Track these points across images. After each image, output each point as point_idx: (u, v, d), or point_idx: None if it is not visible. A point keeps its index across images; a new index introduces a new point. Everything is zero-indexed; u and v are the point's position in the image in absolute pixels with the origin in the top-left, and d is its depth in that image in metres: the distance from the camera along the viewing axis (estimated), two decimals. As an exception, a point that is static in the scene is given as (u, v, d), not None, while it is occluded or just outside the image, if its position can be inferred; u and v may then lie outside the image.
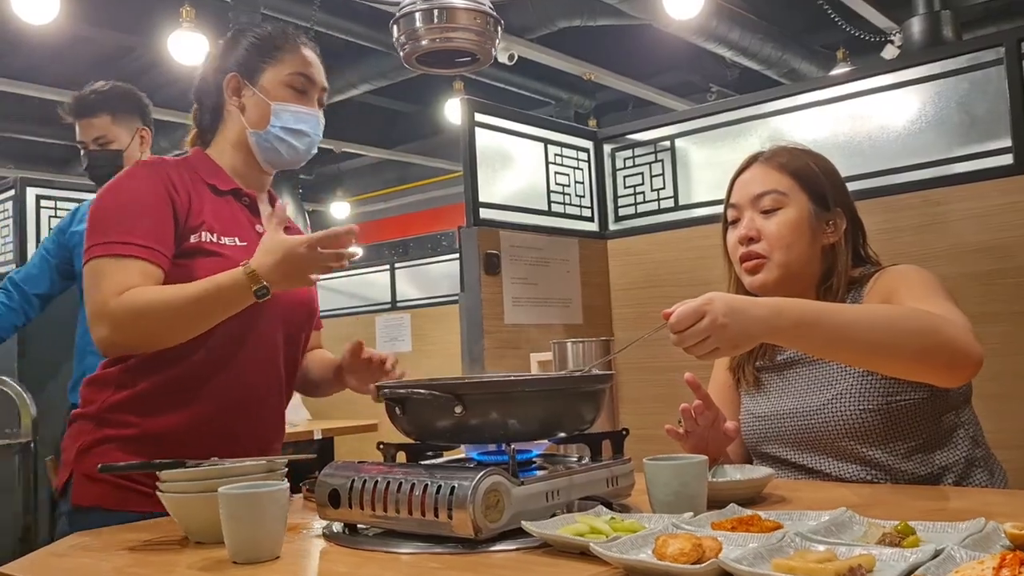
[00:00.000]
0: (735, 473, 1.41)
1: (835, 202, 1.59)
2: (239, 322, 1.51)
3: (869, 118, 2.30)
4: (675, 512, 1.13)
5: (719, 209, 2.55)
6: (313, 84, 1.69)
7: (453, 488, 1.09)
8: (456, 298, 4.07)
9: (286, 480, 1.22)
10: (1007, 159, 2.05)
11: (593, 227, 2.78)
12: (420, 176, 11.25)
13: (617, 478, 1.27)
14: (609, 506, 1.25)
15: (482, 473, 1.08)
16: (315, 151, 1.72)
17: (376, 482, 1.17)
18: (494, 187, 2.50)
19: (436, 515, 1.09)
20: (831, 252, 1.59)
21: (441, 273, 5.57)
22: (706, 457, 1.18)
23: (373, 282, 5.82)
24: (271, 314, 1.56)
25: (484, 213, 2.41)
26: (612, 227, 2.79)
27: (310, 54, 1.69)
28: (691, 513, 1.07)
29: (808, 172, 1.60)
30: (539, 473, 1.22)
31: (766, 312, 1.23)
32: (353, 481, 1.20)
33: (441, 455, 1.36)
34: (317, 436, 4.14)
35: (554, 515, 1.13)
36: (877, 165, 2.24)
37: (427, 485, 1.11)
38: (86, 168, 2.80)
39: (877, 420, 1.47)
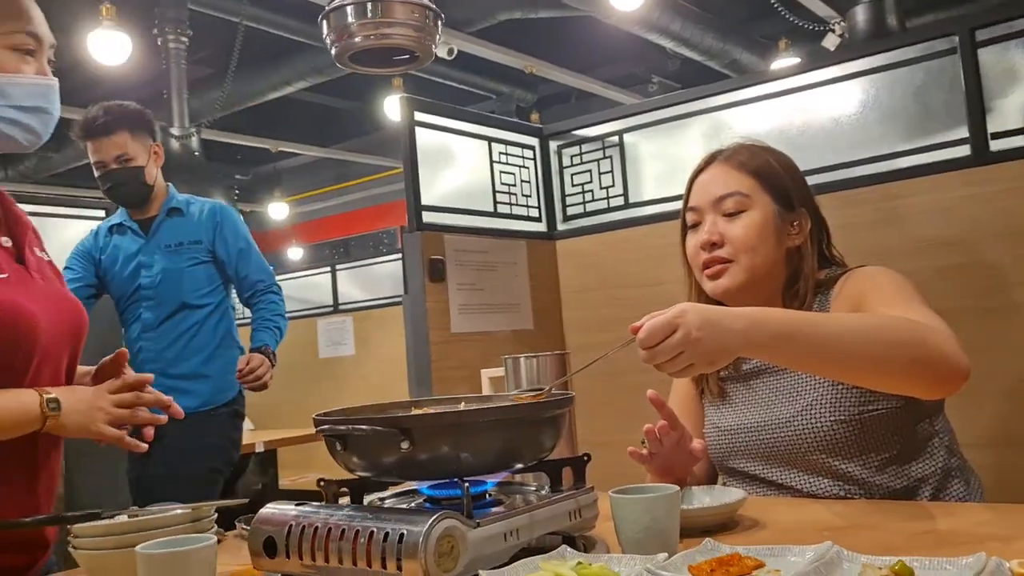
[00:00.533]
0: (704, 496, 1.32)
1: (799, 201, 1.52)
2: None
3: (822, 110, 2.24)
4: (645, 550, 1.04)
5: (670, 207, 2.50)
6: (41, 43, 1.35)
7: (402, 535, 0.98)
8: (400, 300, 3.95)
9: (214, 534, 1.09)
10: (964, 150, 2.00)
11: (541, 228, 2.68)
12: (361, 173, 11.05)
13: (581, 510, 1.16)
14: (572, 542, 1.16)
15: (434, 517, 0.98)
16: (53, 129, 1.40)
17: (316, 528, 1.05)
18: (437, 188, 2.39)
19: (384, 565, 0.98)
20: (796, 254, 1.51)
21: (384, 273, 5.42)
22: (678, 489, 1.08)
23: (314, 284, 5.65)
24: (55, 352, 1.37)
25: (427, 217, 2.29)
26: (561, 227, 2.70)
27: (29, 2, 1.34)
28: (665, 554, 0.97)
29: (770, 171, 1.52)
30: (496, 510, 1.11)
31: (743, 324, 1.13)
32: (291, 527, 1.08)
33: (387, 487, 1.25)
34: (259, 448, 3.98)
35: (514, 559, 1.03)
36: (832, 159, 2.18)
37: (373, 532, 1.00)
38: (108, 188, 2.80)
39: (850, 432, 1.39)
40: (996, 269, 1.92)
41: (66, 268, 2.84)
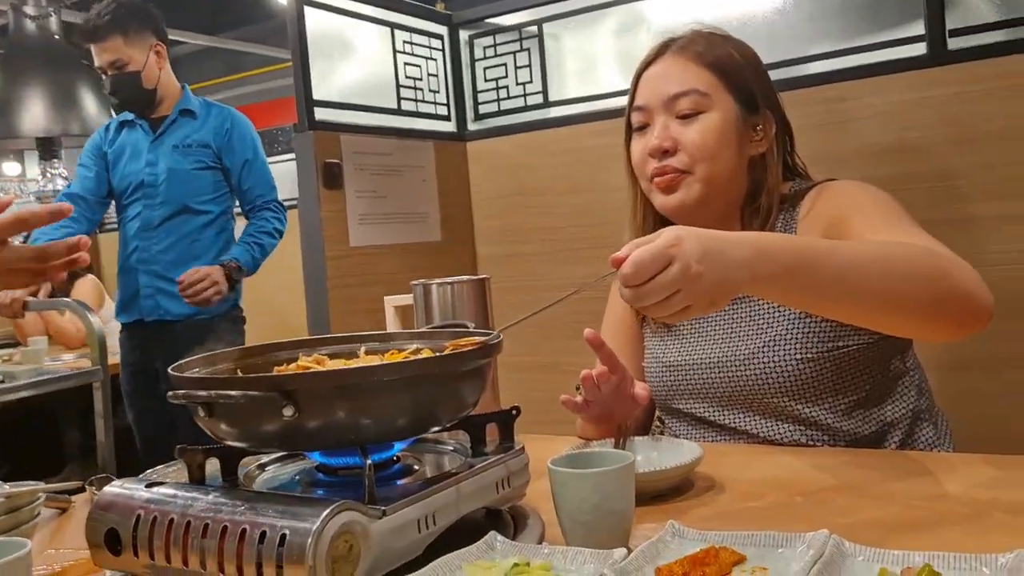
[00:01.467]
0: (651, 451, 1.13)
1: (763, 102, 1.31)
2: None
3: (765, 0, 2.01)
4: (594, 538, 0.84)
5: (595, 106, 2.26)
6: None
7: (284, 535, 0.75)
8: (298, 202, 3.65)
9: (52, 506, 0.84)
10: (920, 48, 1.81)
11: (450, 127, 2.41)
12: (255, 64, 10.36)
13: (510, 477, 0.96)
14: (499, 518, 0.95)
15: (328, 510, 0.75)
16: None
17: (172, 520, 0.82)
18: (332, 81, 2.08)
19: (259, 573, 0.75)
20: (759, 164, 1.31)
21: (280, 173, 5.03)
22: (632, 459, 0.87)
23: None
24: None
25: (320, 114, 1.99)
26: (472, 127, 2.43)
27: None
28: (622, 551, 0.77)
29: (732, 65, 1.29)
30: (405, 484, 0.90)
31: (749, 254, 0.87)
32: (139, 517, 0.84)
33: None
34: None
35: (429, 552, 0.82)
36: (776, 55, 1.96)
37: (246, 529, 0.77)
38: (110, 93, 2.78)
39: (818, 371, 1.22)
40: (951, 179, 1.76)
41: (80, 165, 2.87)
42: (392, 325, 1.37)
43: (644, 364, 1.41)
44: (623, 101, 2.16)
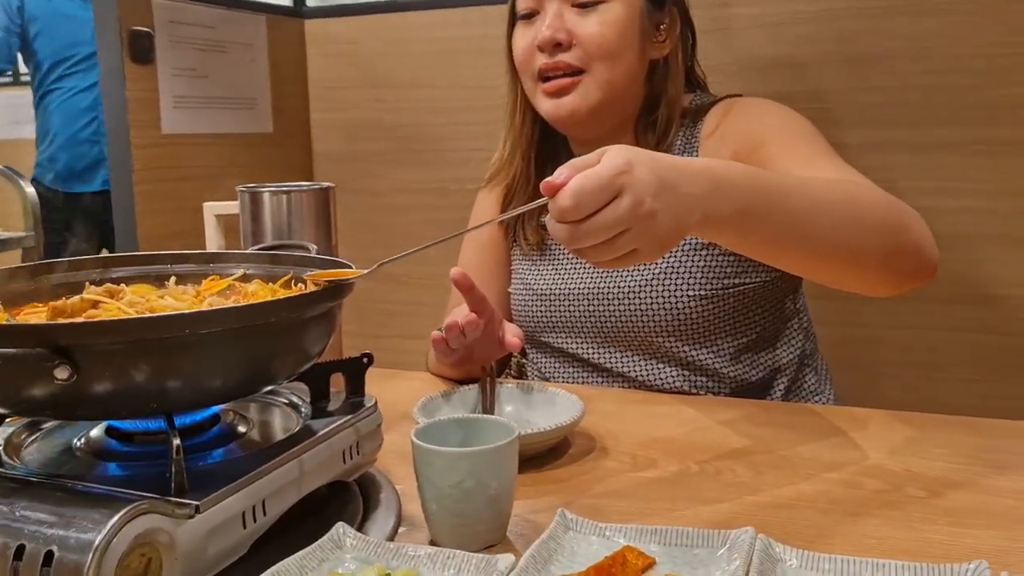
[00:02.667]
0: (521, 403, 0.97)
1: None
2: None
3: None
4: (466, 523, 0.68)
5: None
6: None
7: (52, 553, 0.54)
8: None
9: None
10: (808, -44, 1.69)
11: (287, 0, 2.10)
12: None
13: (360, 443, 0.78)
14: (346, 492, 0.78)
15: (118, 516, 0.55)
16: None
17: None
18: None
19: (20, 602, 0.55)
20: (660, 69, 1.14)
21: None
22: (516, 434, 0.71)
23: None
24: None
25: (128, -31, 1.65)
26: (312, 2, 2.12)
27: None
28: (509, 558, 0.61)
29: None
30: (225, 459, 0.70)
31: (701, 189, 0.71)
32: None
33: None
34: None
35: (255, 546, 0.63)
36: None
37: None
38: None
39: (709, 310, 1.09)
40: (828, 101, 1.67)
41: None
42: (213, 238, 1.13)
43: (511, 290, 1.25)
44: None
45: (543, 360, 1.23)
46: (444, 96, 1.96)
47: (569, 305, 1.17)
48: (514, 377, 1.37)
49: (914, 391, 1.67)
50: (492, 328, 1.02)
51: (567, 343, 1.19)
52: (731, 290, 1.10)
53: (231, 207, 1.10)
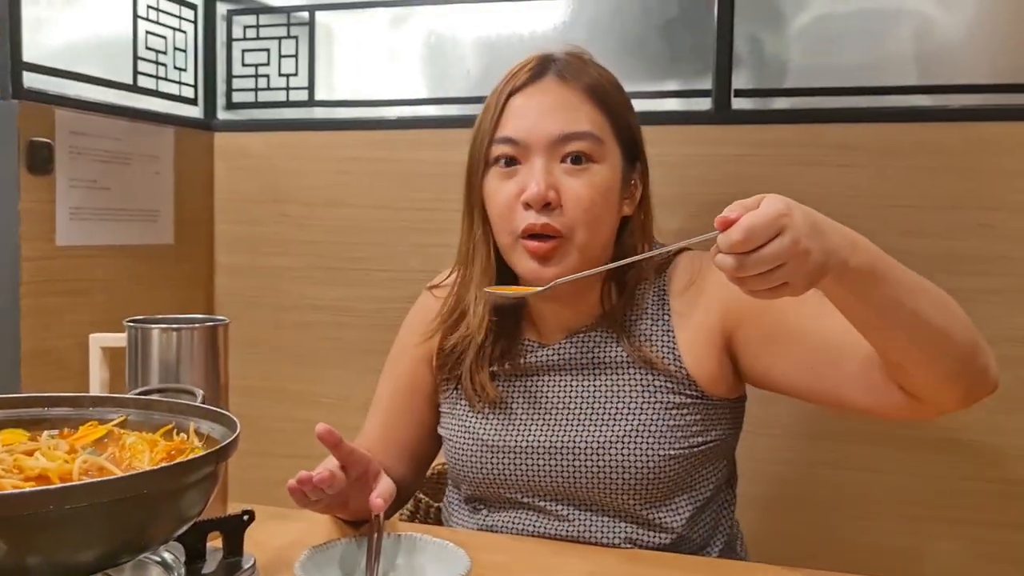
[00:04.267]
0: (409, 557, 0.94)
1: (639, 149, 1.12)
2: None
3: (560, 26, 1.91)
4: None
5: (368, 113, 2.04)
6: None
7: None
8: None
9: None
10: (706, 103, 1.78)
11: (196, 113, 2.09)
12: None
13: (235, 613, 0.74)
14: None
15: None
16: None
17: None
18: (51, 39, 1.72)
19: None
20: (630, 226, 1.11)
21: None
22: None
23: None
24: None
25: (31, 80, 1.62)
26: (222, 116, 2.12)
27: None
28: None
29: (617, 102, 1.09)
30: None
31: (842, 239, 0.80)
32: None
33: None
34: None
35: None
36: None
37: None
38: None
39: (674, 469, 1.06)
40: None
41: None
42: (97, 372, 1.08)
43: (447, 435, 1.17)
44: (402, 111, 1.99)
45: (479, 513, 1.16)
46: (351, 215, 1.97)
47: (526, 459, 1.10)
48: (411, 513, 1.34)
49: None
50: (367, 480, 0.99)
51: (514, 495, 1.12)
52: (697, 449, 1.07)
53: (118, 340, 1.06)
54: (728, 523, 1.16)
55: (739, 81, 1.77)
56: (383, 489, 0.98)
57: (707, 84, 1.77)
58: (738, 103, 1.76)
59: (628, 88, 1.15)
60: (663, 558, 1.04)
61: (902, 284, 0.85)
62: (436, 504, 1.32)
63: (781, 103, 1.77)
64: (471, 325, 1.12)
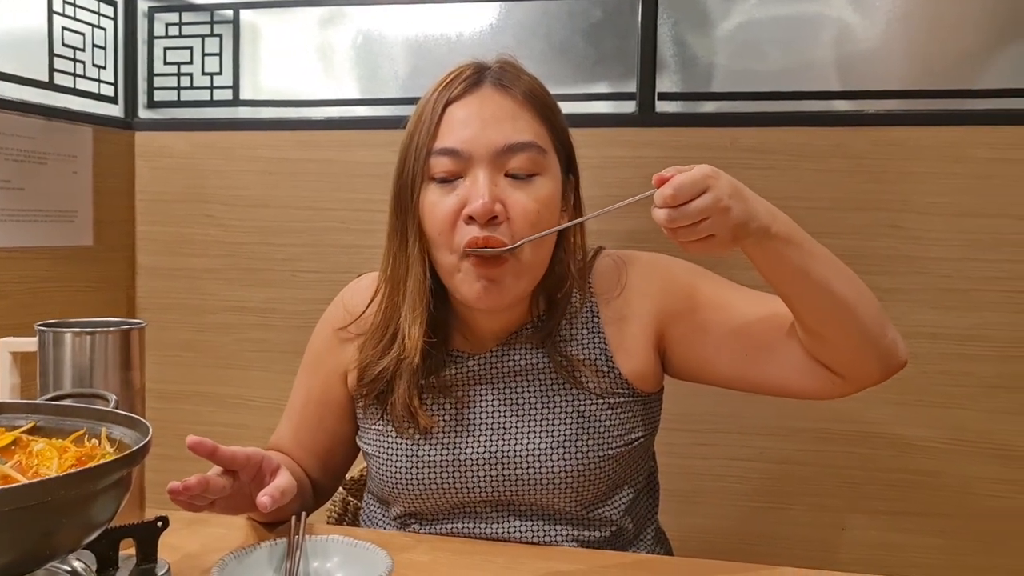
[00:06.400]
0: (332, 559, 0.94)
1: (573, 160, 1.10)
2: None
3: (488, 29, 1.92)
4: None
5: (294, 113, 2.03)
6: None
7: None
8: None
9: None
10: (630, 106, 1.81)
11: (116, 112, 2.05)
12: None
13: (147, 619, 0.73)
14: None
15: None
16: None
17: None
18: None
19: None
20: (562, 240, 1.09)
21: None
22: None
23: None
24: None
25: (-61, 76, 1.58)
26: (143, 115, 2.08)
27: None
28: None
29: (553, 110, 1.06)
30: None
31: (766, 208, 0.92)
32: None
33: None
34: None
35: None
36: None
37: None
38: None
39: (613, 468, 1.07)
40: (642, 244, 1.76)
41: None
42: (7, 377, 1.06)
43: (373, 452, 1.13)
44: (330, 111, 1.98)
45: (410, 524, 1.13)
46: (277, 216, 1.95)
47: (465, 472, 1.07)
48: (338, 515, 1.33)
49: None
50: (262, 479, 0.97)
51: (452, 508, 1.10)
52: (631, 446, 1.08)
53: (30, 344, 1.04)
54: (656, 511, 1.18)
55: (664, 85, 1.81)
56: (273, 487, 0.94)
57: (632, 87, 1.81)
58: (662, 106, 1.80)
59: (554, 91, 1.11)
60: (584, 555, 1.06)
61: (815, 255, 0.95)
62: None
63: (708, 107, 1.81)
64: (407, 349, 1.06)
